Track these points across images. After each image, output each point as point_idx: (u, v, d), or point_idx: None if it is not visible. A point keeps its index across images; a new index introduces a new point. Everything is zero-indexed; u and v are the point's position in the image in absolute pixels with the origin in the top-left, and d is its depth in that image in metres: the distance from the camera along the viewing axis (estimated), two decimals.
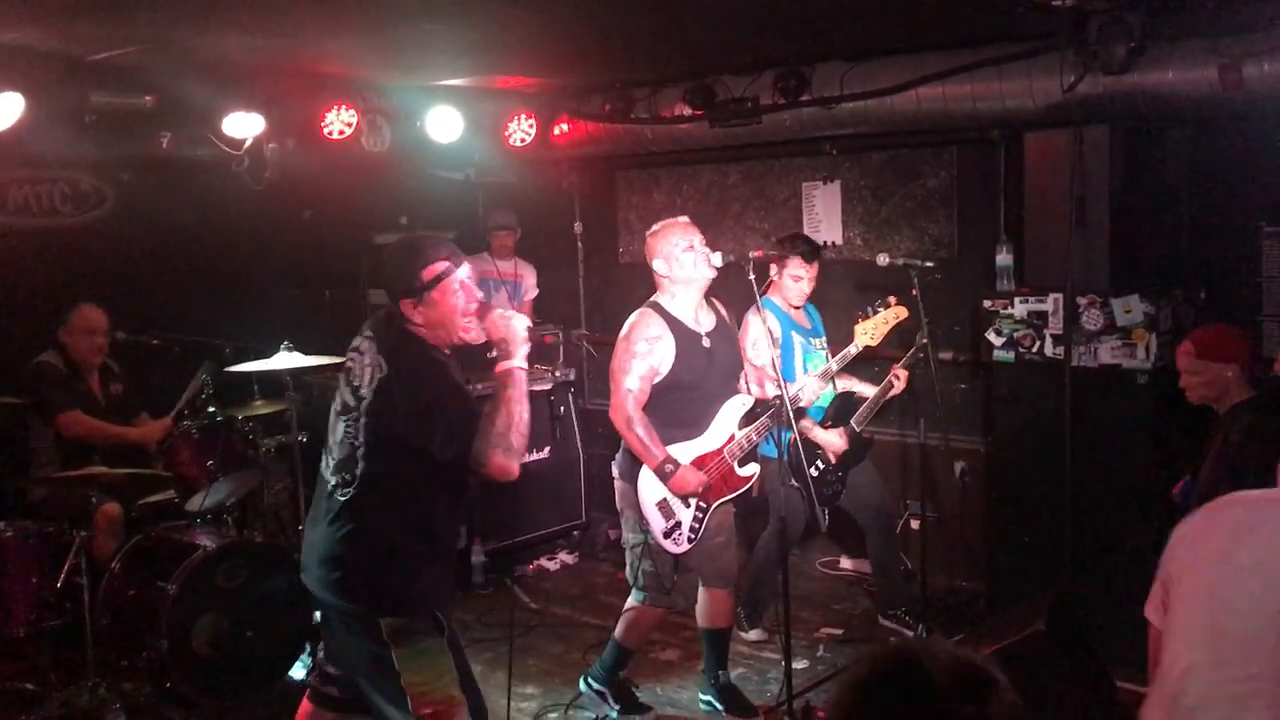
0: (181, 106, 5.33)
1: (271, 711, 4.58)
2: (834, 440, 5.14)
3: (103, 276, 5.74)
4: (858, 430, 5.22)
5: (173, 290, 6.15)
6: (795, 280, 5.25)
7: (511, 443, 3.13)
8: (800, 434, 4.53)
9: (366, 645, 3.20)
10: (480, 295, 3.40)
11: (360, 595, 3.21)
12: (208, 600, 4.65)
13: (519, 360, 3.23)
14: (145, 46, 4.59)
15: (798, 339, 5.25)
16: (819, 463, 5.16)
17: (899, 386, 5.18)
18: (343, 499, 3.18)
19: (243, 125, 5.46)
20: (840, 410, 5.22)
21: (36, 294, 5.50)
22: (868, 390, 5.26)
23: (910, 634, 5.35)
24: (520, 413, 3.16)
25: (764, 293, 5.22)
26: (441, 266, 3.20)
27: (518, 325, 3.27)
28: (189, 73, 5.09)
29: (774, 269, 5.31)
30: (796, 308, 5.34)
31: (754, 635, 5.43)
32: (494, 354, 3.26)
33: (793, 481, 4.73)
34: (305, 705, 3.52)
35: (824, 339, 5.42)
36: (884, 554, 5.52)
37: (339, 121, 5.73)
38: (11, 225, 5.90)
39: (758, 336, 4.82)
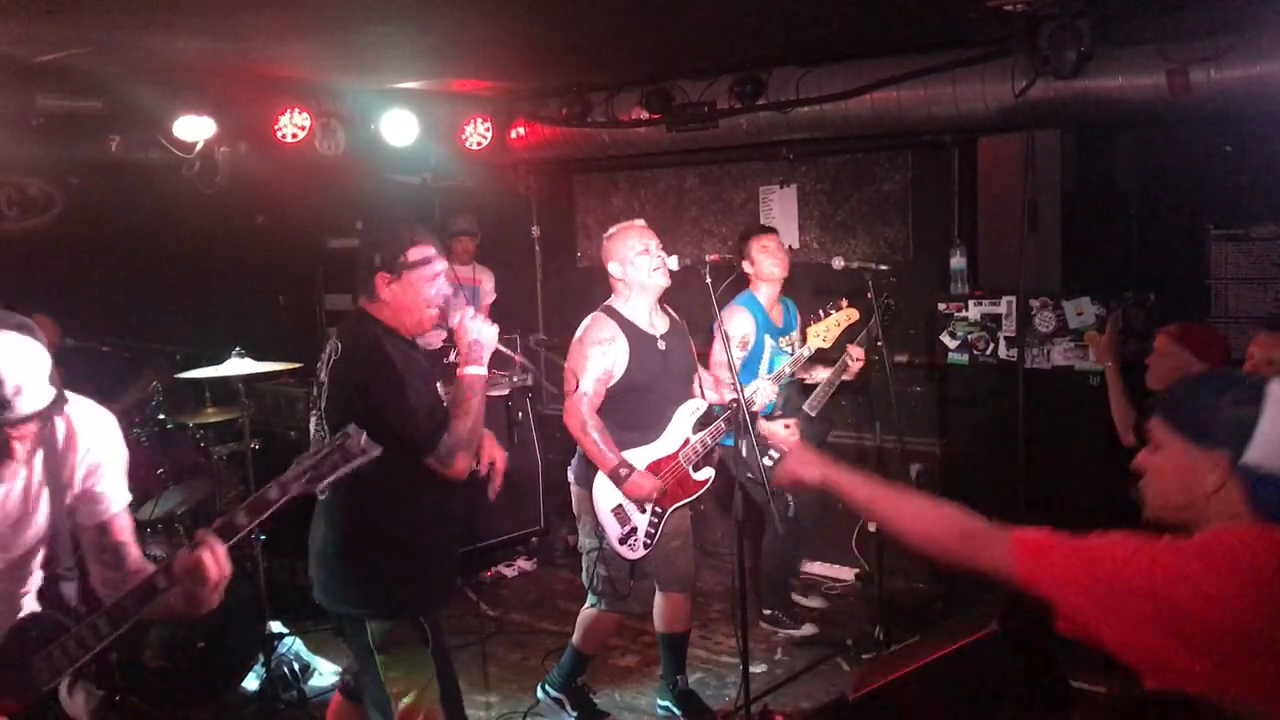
0: (131, 109, 5.26)
1: None
2: (777, 430, 5.08)
3: (52, 282, 5.64)
4: (811, 415, 5.22)
5: (123, 296, 6.07)
6: (764, 250, 5.24)
7: (473, 445, 3.26)
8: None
9: (355, 646, 3.31)
10: (449, 292, 3.44)
11: (340, 597, 3.27)
12: None
13: (479, 369, 3.31)
14: (93, 48, 4.52)
15: (769, 342, 5.24)
16: (773, 452, 5.07)
17: (854, 366, 5.12)
18: (321, 497, 3.14)
19: (193, 128, 5.39)
20: (790, 399, 5.22)
21: None
22: (820, 375, 5.24)
23: (791, 633, 5.47)
24: (479, 415, 3.27)
25: (747, 287, 5.29)
26: (428, 252, 3.30)
27: (490, 332, 3.36)
28: (138, 75, 5.02)
29: (744, 263, 5.29)
30: (779, 280, 5.27)
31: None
32: (455, 357, 3.31)
33: (748, 474, 4.69)
34: (336, 697, 3.74)
35: (794, 334, 5.40)
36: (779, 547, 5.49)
37: (292, 125, 5.68)
38: None
39: (733, 331, 4.96)
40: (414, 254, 3.26)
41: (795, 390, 5.24)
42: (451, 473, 3.18)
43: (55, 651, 2.36)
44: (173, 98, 5.33)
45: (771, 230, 5.42)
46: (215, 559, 2.31)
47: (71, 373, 5.44)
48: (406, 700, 3.25)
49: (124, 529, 2.60)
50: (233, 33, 4.43)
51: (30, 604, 2.61)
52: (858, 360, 5.13)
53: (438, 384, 3.35)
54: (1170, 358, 4.06)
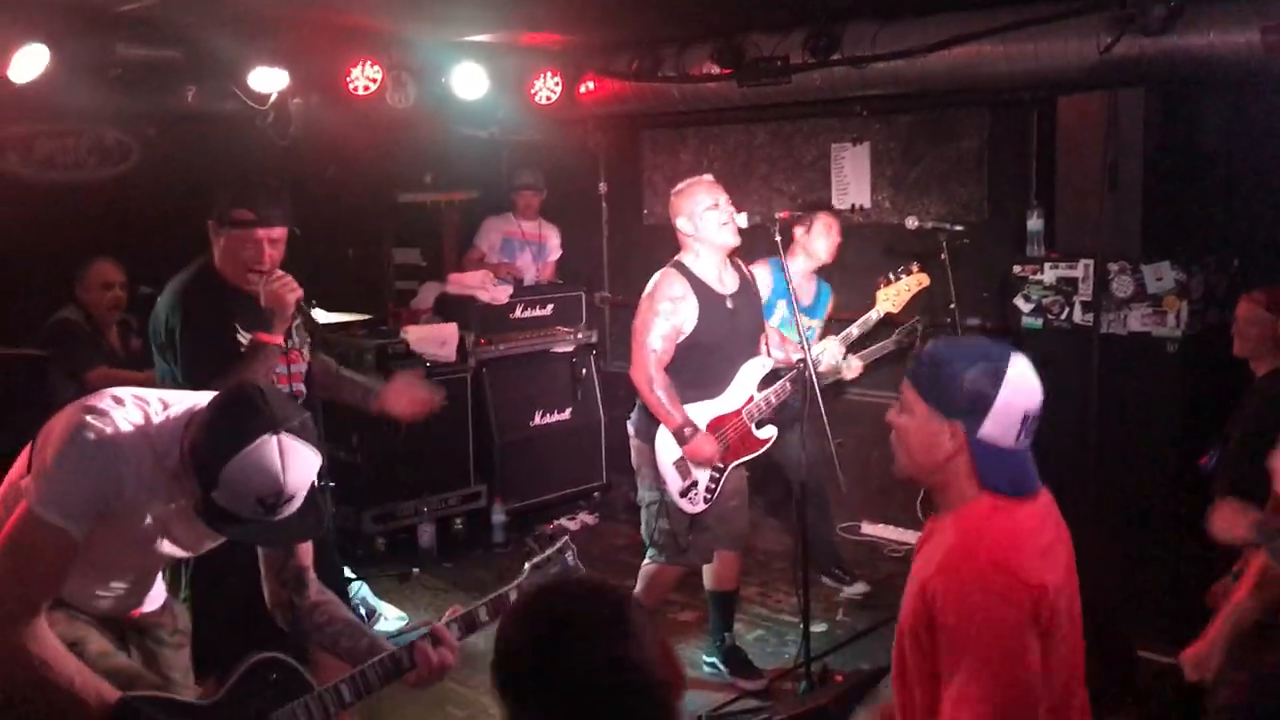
0: (207, 60, 5.29)
1: None
2: (853, 362, 5.08)
3: (128, 231, 5.72)
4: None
5: (198, 246, 6.13)
6: (828, 229, 5.19)
7: None
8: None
9: None
10: (274, 260, 3.53)
11: None
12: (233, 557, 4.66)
13: (277, 333, 3.41)
14: None
15: (781, 308, 5.09)
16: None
17: (849, 375, 5.19)
18: None
19: (268, 80, 5.43)
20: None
21: (62, 248, 5.49)
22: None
23: (848, 589, 5.47)
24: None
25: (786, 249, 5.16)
26: (248, 216, 3.44)
27: (288, 300, 3.42)
28: (215, 25, 5.05)
29: (799, 229, 5.23)
30: (821, 262, 5.24)
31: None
32: (521, 311, 3.35)
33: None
34: None
35: (820, 323, 5.34)
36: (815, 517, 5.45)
37: (363, 77, 5.69)
38: (37, 178, 5.91)
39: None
40: (236, 213, 3.44)
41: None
42: None
43: (299, 710, 2.38)
44: (248, 49, 5.36)
45: (838, 215, 5.37)
46: (454, 656, 2.48)
47: (144, 321, 5.57)
48: None
49: (307, 553, 2.64)
50: None
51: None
52: (855, 370, 5.16)
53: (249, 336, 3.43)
54: (1257, 324, 3.97)
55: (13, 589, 2.15)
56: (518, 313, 6.77)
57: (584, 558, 2.68)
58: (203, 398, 2.38)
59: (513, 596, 2.54)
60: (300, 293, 3.47)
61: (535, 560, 2.64)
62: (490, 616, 2.52)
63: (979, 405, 2.01)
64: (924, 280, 4.83)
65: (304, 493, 2.26)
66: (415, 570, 5.91)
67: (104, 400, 2.32)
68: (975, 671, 1.89)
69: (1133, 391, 5.00)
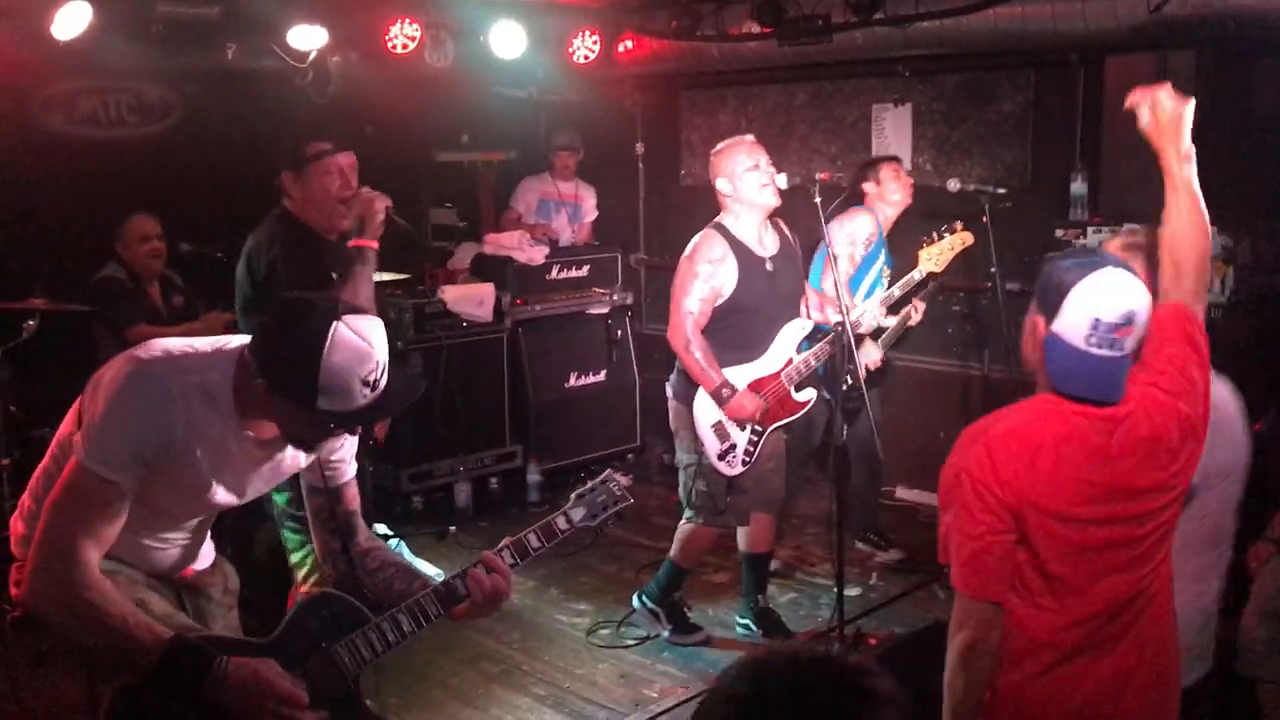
0: (247, 17, 5.30)
1: None
2: (874, 354, 5.04)
3: (171, 189, 5.75)
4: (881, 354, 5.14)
5: (237, 204, 6.13)
6: (896, 176, 5.17)
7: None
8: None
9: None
10: (354, 185, 3.74)
11: None
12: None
13: (370, 238, 3.59)
14: None
15: (881, 259, 5.14)
16: (848, 377, 5.02)
17: (916, 318, 5.08)
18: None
19: (307, 37, 5.42)
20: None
21: (106, 206, 5.53)
22: (888, 321, 5.11)
23: (883, 555, 5.46)
24: (368, 288, 3.54)
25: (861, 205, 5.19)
26: (325, 145, 3.63)
27: (376, 206, 3.61)
28: None
29: (868, 185, 5.19)
30: (899, 209, 5.21)
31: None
32: (557, 273, 3.40)
33: (824, 393, 4.62)
34: None
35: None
36: (862, 482, 5.42)
37: (402, 35, 5.67)
38: (80, 135, 5.95)
39: (857, 231, 5.02)
40: (311, 148, 3.59)
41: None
42: None
43: (359, 641, 2.40)
44: (287, 6, 5.36)
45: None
46: (507, 583, 2.48)
47: (186, 278, 5.60)
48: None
49: (354, 499, 2.66)
50: None
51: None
52: (919, 314, 5.07)
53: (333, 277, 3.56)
54: None
55: (64, 542, 2.18)
56: (554, 274, 6.76)
57: (619, 520, 2.69)
58: (234, 339, 2.42)
59: (560, 523, 2.57)
60: (389, 202, 3.64)
61: (580, 490, 2.65)
62: (541, 542, 2.54)
63: (1056, 299, 2.13)
64: (968, 239, 4.76)
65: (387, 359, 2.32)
66: (452, 529, 5.97)
67: (151, 349, 2.35)
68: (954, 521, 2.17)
69: None
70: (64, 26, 4.63)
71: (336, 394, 2.21)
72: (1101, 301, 2.09)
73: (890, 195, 5.16)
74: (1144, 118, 2.49)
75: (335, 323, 2.21)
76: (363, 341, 2.22)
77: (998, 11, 5.02)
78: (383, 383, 2.27)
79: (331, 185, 3.65)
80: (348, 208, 3.66)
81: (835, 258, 4.33)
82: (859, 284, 5.03)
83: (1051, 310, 2.14)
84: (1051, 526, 2.11)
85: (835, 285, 4.23)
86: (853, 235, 5.02)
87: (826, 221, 4.13)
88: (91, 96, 6.01)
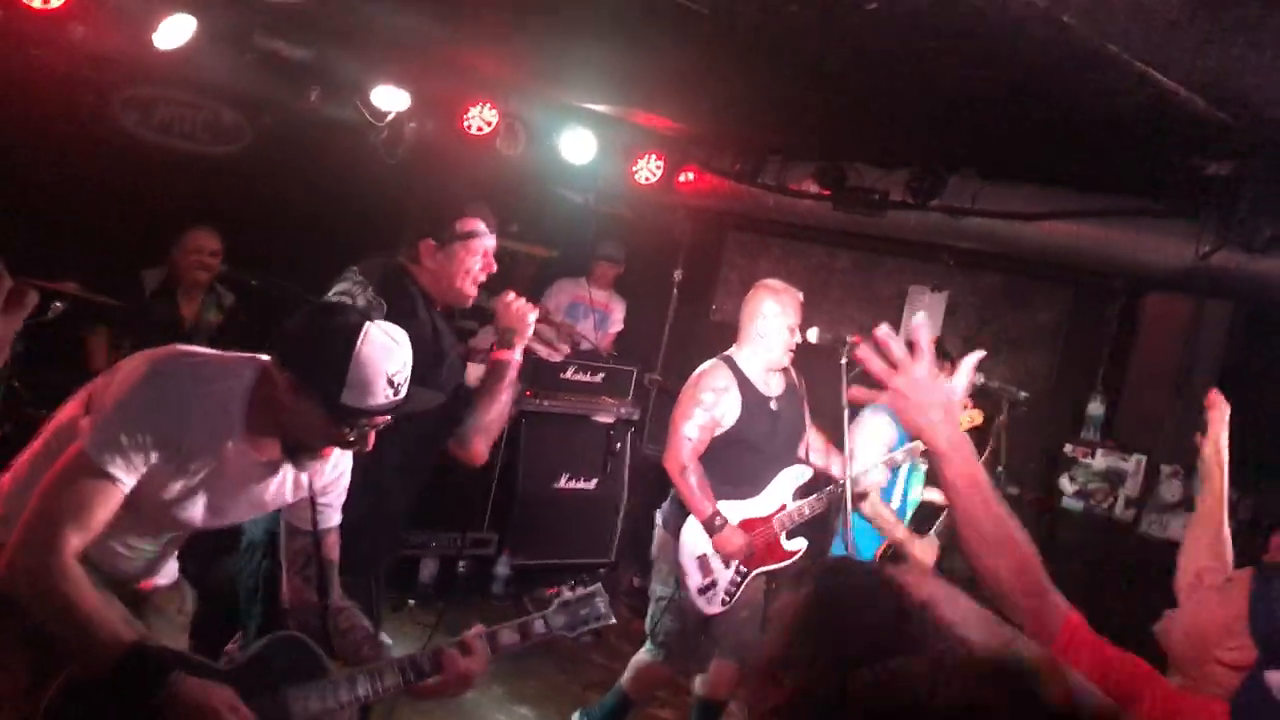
0: (337, 67, 5.46)
1: None
2: (928, 554, 4.65)
3: (224, 210, 5.85)
4: (938, 543, 4.78)
5: (287, 240, 6.26)
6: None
7: (495, 430, 3.23)
8: (894, 545, 4.45)
9: None
10: (494, 270, 3.43)
11: None
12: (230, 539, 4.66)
13: (517, 353, 3.30)
14: (319, 1, 4.73)
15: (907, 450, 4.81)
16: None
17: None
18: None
19: (390, 99, 5.59)
20: (920, 519, 4.86)
21: (161, 211, 5.63)
22: (937, 495, 4.84)
23: None
24: (507, 403, 3.27)
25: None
26: (477, 225, 3.33)
27: (529, 320, 3.34)
28: (353, 36, 5.23)
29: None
30: None
31: None
32: (495, 341, 3.31)
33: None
34: None
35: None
36: None
37: (480, 118, 5.85)
38: (151, 141, 6.09)
39: (873, 439, 4.55)
40: (463, 225, 3.29)
41: (924, 511, 4.88)
42: (467, 456, 3.18)
43: (313, 692, 2.38)
44: (377, 65, 5.53)
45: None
46: (482, 668, 2.48)
47: (240, 299, 5.59)
48: None
49: (335, 548, 2.65)
50: (453, 16, 4.59)
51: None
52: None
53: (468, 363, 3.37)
54: None
55: (50, 526, 2.18)
56: (569, 374, 6.81)
57: (594, 638, 2.67)
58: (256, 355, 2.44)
59: (538, 626, 2.57)
60: (538, 312, 3.41)
61: (566, 598, 2.66)
62: (515, 640, 2.53)
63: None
64: (977, 418, 4.73)
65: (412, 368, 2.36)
66: (411, 603, 5.88)
67: (174, 352, 2.38)
68: None
69: (1161, 599, 4.90)
70: (166, 35, 4.78)
71: (363, 387, 2.26)
72: None
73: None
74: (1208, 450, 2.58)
75: (368, 322, 2.30)
76: (393, 341, 2.30)
77: (1053, 225, 5.15)
78: (404, 389, 2.32)
79: (474, 266, 3.35)
80: (479, 290, 3.42)
81: (852, 414, 4.31)
82: (890, 494, 4.75)
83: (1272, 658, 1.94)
84: None
85: (848, 448, 4.21)
86: (869, 443, 4.58)
87: (848, 389, 4.10)
88: (170, 106, 6.17)
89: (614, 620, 2.69)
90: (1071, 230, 5.10)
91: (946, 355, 4.66)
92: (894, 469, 4.62)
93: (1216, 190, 4.43)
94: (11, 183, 5.29)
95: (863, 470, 4.38)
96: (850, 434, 4.27)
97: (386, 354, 2.28)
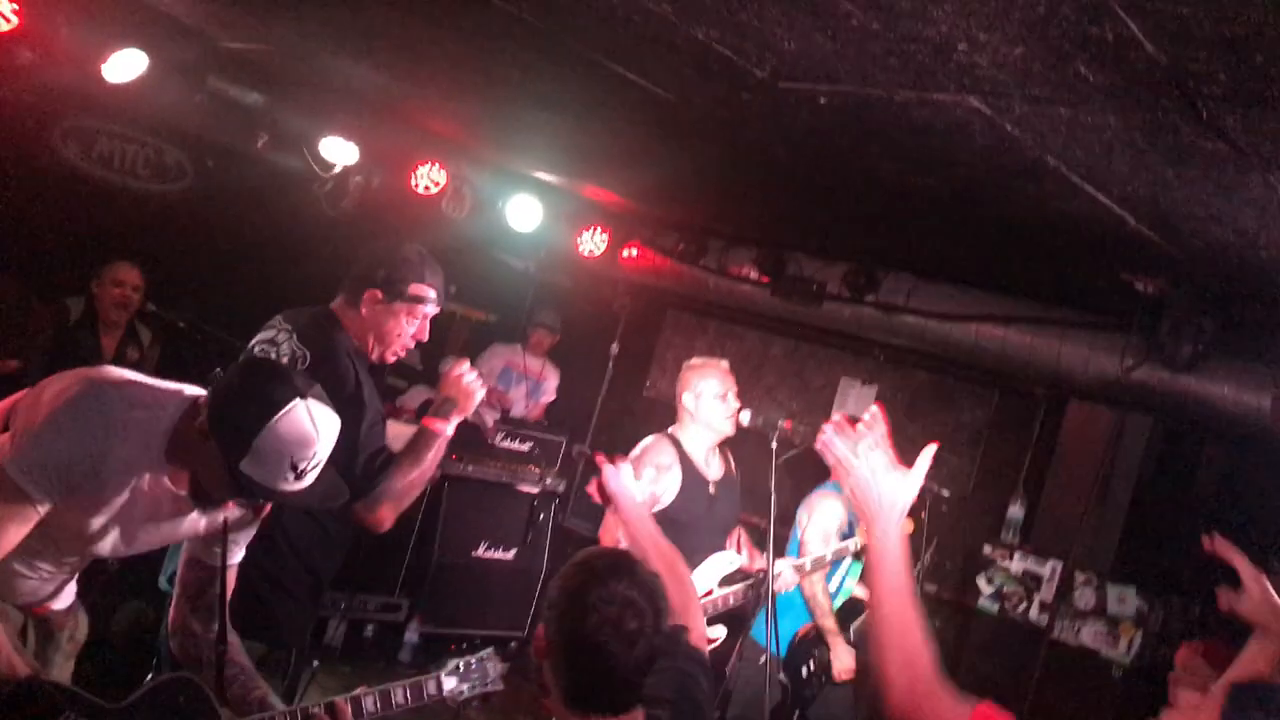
0: (288, 115, 5.45)
1: None
2: (846, 660, 4.61)
3: (159, 249, 5.76)
4: (853, 640, 4.73)
5: (220, 284, 6.17)
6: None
7: (406, 499, 3.05)
8: (819, 629, 4.42)
9: None
10: (425, 339, 3.27)
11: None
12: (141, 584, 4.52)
13: (451, 426, 3.13)
14: (274, 48, 4.72)
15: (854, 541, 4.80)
16: (811, 663, 4.70)
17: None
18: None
19: (338, 151, 5.57)
20: (841, 617, 4.75)
21: (90, 243, 5.52)
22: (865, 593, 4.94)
23: None
24: (428, 473, 3.08)
25: (831, 477, 4.73)
26: (430, 294, 3.16)
27: (475, 396, 3.18)
28: (304, 85, 5.22)
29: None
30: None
31: None
32: (432, 407, 3.15)
33: (781, 676, 4.46)
34: None
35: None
36: None
37: (428, 178, 5.85)
38: (89, 174, 5.99)
39: (828, 520, 4.59)
40: (415, 288, 3.12)
41: (850, 608, 4.81)
42: (371, 522, 2.99)
43: None
44: (328, 116, 5.53)
45: None
46: None
47: (157, 336, 5.47)
48: None
49: (230, 584, 2.57)
50: (409, 75, 4.60)
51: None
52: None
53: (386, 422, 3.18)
54: (1192, 673, 3.89)
55: None
56: (496, 440, 6.74)
57: (482, 707, 2.65)
58: (195, 387, 2.38)
59: (430, 687, 2.53)
60: (484, 391, 3.25)
61: (458, 662, 2.61)
62: (405, 700, 2.49)
63: None
64: (909, 526, 4.66)
65: (327, 457, 2.26)
66: (315, 664, 5.69)
67: (107, 374, 2.32)
68: None
69: (1069, 703, 4.95)
70: (117, 68, 4.73)
71: (263, 462, 2.18)
72: None
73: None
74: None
75: (300, 400, 2.20)
76: (312, 428, 2.20)
77: (981, 328, 5.26)
78: (309, 478, 2.24)
79: (409, 331, 3.18)
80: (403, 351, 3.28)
81: (805, 533, 4.31)
82: (831, 577, 4.73)
83: None
84: None
85: (771, 532, 4.21)
86: (825, 530, 4.64)
87: (776, 473, 4.11)
88: (112, 139, 6.09)
89: (502, 686, 2.67)
90: (1000, 334, 5.20)
91: None
92: (842, 558, 4.61)
93: (1144, 306, 4.55)
94: None
95: (779, 569, 4.25)
96: (802, 511, 4.26)
97: (299, 439, 2.19)
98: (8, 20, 4.29)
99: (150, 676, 2.92)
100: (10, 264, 5.35)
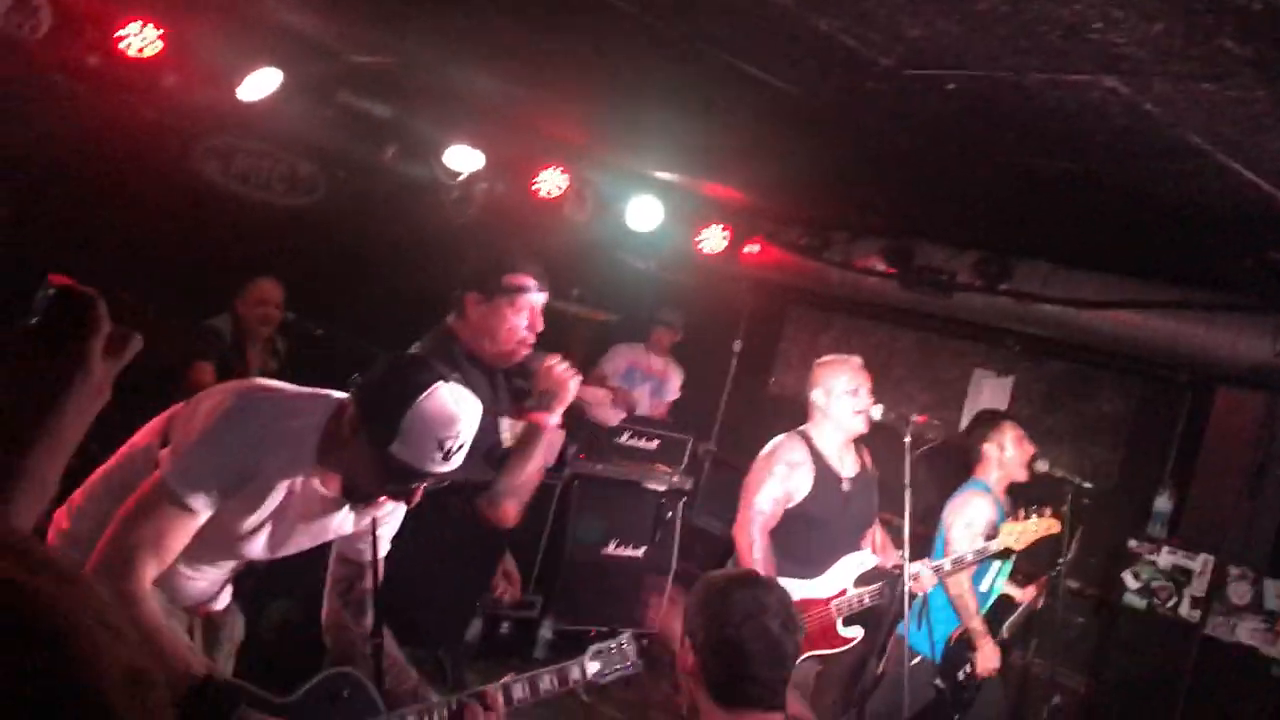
0: (416, 125, 5.57)
1: None
2: (992, 659, 4.50)
3: (293, 260, 5.96)
4: (1006, 639, 4.67)
5: (352, 292, 6.36)
6: (1019, 442, 4.73)
7: (525, 493, 3.13)
8: (968, 632, 4.35)
9: None
10: (540, 329, 3.23)
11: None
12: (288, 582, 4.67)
13: (555, 417, 3.17)
14: (401, 61, 4.84)
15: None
16: (968, 666, 4.56)
17: (1031, 603, 4.72)
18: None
19: (465, 159, 5.68)
20: (993, 616, 4.65)
21: (227, 258, 5.73)
22: (1016, 591, 4.76)
23: None
24: (540, 466, 3.16)
25: (973, 473, 4.77)
26: (526, 281, 3.15)
27: (570, 387, 3.19)
28: (433, 96, 5.34)
29: (989, 445, 4.74)
30: (1019, 479, 4.74)
31: None
32: (533, 401, 3.20)
33: (937, 681, 4.39)
34: None
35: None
36: None
37: (551, 182, 5.92)
38: (228, 191, 6.23)
39: (976, 519, 4.51)
40: (510, 279, 3.11)
41: (1000, 607, 4.71)
42: (497, 518, 3.08)
43: None
44: (455, 126, 5.64)
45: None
46: None
47: (296, 346, 5.66)
48: None
49: (378, 577, 2.65)
50: (531, 81, 4.66)
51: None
52: (1026, 595, 4.72)
53: (505, 421, 3.21)
54: None
55: (127, 551, 2.21)
56: (623, 439, 6.78)
57: (618, 701, 2.71)
58: (336, 392, 2.49)
59: (574, 672, 2.60)
60: (580, 379, 3.26)
61: (598, 646, 2.68)
62: (553, 686, 2.56)
63: None
64: (1054, 527, 4.47)
65: (470, 442, 2.34)
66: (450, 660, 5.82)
67: (256, 386, 2.46)
68: None
69: (1224, 702, 4.73)
70: (252, 87, 4.91)
71: (412, 443, 2.25)
72: None
73: (1013, 460, 4.71)
74: None
75: (441, 382, 2.30)
76: (455, 408, 2.29)
77: (1122, 315, 5.06)
78: (456, 458, 2.31)
79: (519, 324, 3.15)
80: (527, 350, 3.26)
81: (910, 508, 4.23)
82: (981, 578, 4.63)
83: None
84: None
85: (907, 529, 4.12)
86: (971, 530, 4.53)
87: (911, 468, 4.04)
88: (249, 156, 6.33)
89: (642, 668, 2.75)
90: (1141, 320, 5.00)
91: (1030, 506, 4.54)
92: (985, 558, 4.49)
93: None
94: (94, 222, 5.43)
95: (917, 570, 4.14)
96: (948, 510, 4.20)
97: (444, 417, 2.27)
98: (151, 46, 4.51)
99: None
100: (157, 283, 5.60)
